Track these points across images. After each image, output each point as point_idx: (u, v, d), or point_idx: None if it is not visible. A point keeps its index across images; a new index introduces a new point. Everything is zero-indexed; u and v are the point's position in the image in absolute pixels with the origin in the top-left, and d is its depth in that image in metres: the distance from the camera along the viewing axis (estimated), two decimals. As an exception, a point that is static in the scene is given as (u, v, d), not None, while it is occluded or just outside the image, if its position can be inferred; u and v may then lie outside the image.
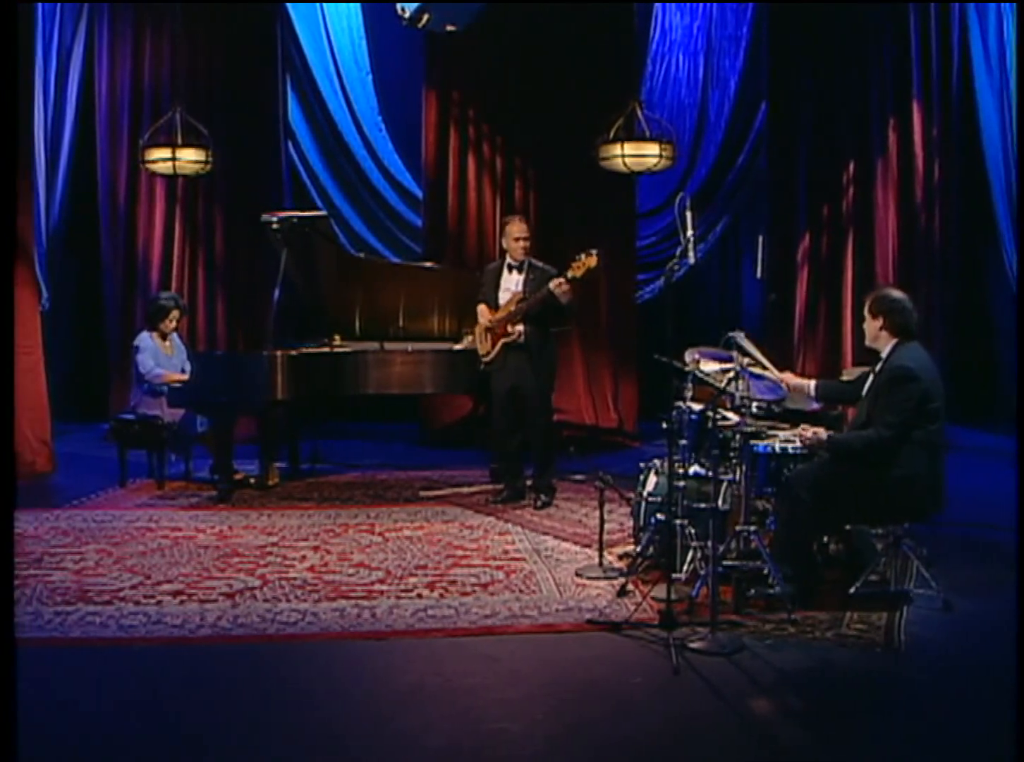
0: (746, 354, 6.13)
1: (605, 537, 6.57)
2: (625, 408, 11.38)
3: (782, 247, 11.37)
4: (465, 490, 8.81)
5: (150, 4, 11.10)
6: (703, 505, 6.07)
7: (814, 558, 6.06)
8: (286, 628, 5.50)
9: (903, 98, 10.83)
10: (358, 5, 11.83)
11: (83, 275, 11.95)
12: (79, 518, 7.85)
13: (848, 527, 6.26)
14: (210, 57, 11.21)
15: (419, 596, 6.01)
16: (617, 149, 9.72)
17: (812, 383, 6.32)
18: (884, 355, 5.88)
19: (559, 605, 5.86)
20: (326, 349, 8.86)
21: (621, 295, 11.31)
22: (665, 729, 4.41)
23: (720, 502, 6.00)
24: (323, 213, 9.80)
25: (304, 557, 6.79)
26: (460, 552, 6.94)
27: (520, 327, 8.02)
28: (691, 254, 5.70)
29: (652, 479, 6.61)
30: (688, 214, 5.68)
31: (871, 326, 5.95)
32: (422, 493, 8.75)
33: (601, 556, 6.51)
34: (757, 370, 6.24)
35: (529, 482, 8.45)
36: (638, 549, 6.46)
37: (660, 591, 5.58)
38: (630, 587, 6.06)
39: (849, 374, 6.95)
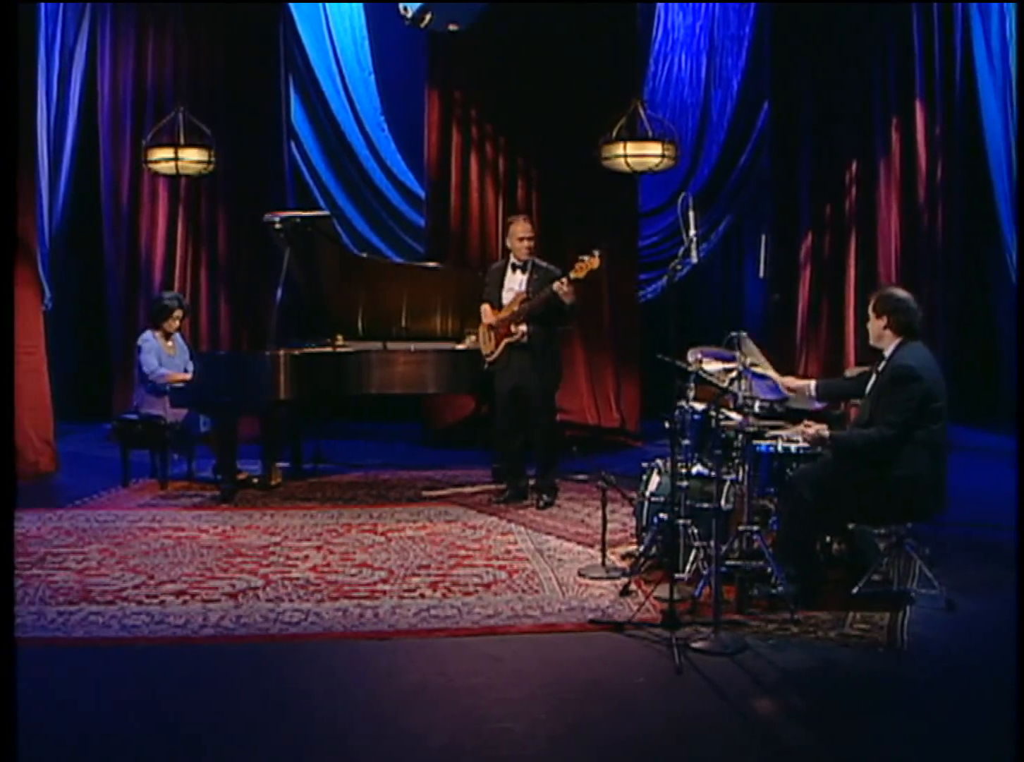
0: (748, 356, 6.12)
1: (608, 537, 6.57)
2: (627, 408, 11.37)
3: (785, 247, 11.37)
4: (468, 490, 8.81)
5: (153, 4, 11.11)
6: (706, 505, 6.07)
7: (817, 558, 6.06)
8: (289, 628, 5.50)
9: (906, 98, 10.83)
10: (360, 5, 11.84)
11: (86, 275, 11.96)
12: (82, 518, 7.85)
13: (851, 527, 6.27)
14: (212, 57, 11.21)
15: (422, 596, 6.01)
16: (619, 149, 9.72)
17: (812, 384, 6.32)
18: (887, 354, 5.87)
19: (562, 605, 5.86)
20: (329, 349, 8.86)
21: (623, 295, 11.31)
22: (668, 729, 4.41)
23: (723, 502, 6.00)
24: (326, 213, 9.80)
25: (307, 557, 6.79)
26: (463, 552, 6.94)
27: (523, 327, 8.02)
28: (694, 253, 5.69)
29: (655, 479, 6.61)
30: (691, 213, 5.67)
31: (875, 325, 5.95)
32: (425, 493, 8.76)
33: (604, 556, 6.51)
34: (759, 370, 6.24)
35: (532, 482, 8.45)
36: (641, 549, 6.46)
37: (663, 591, 5.57)
38: (633, 587, 6.06)
39: (852, 373, 6.95)
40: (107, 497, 8.57)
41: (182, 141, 10.06)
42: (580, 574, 6.42)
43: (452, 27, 9.80)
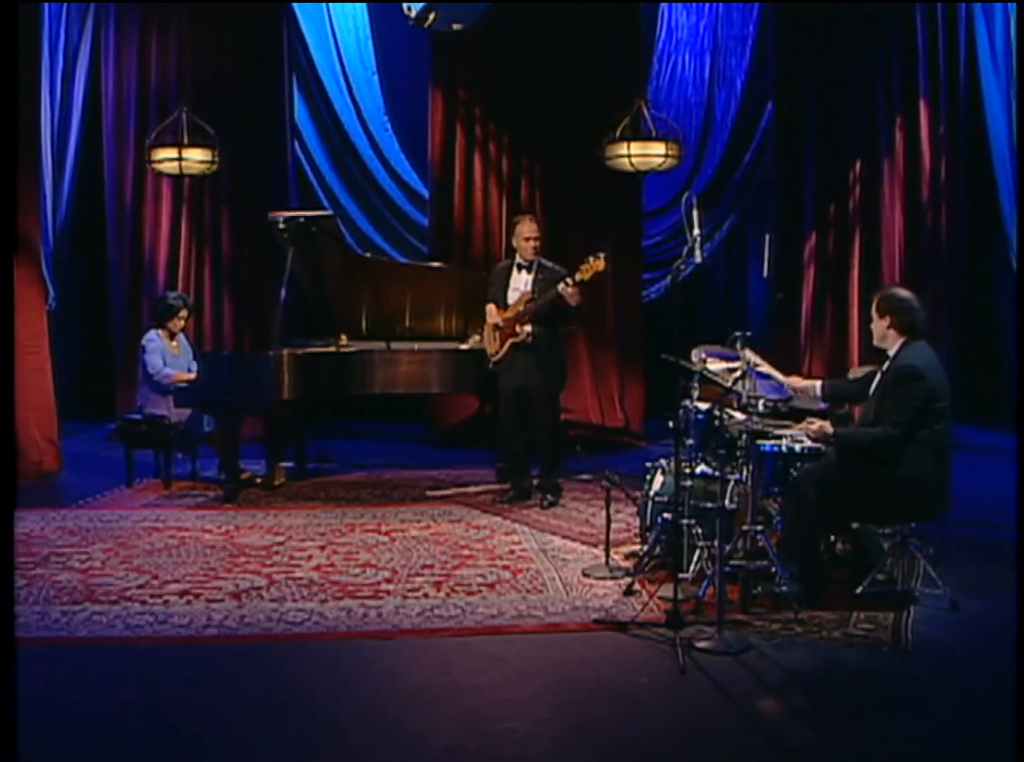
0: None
1: (611, 537, 6.57)
2: (631, 407, 11.37)
3: (788, 246, 11.37)
4: (471, 490, 8.80)
5: (156, 4, 11.11)
6: (710, 504, 6.07)
7: (821, 557, 6.06)
8: (292, 628, 5.50)
9: (910, 97, 10.83)
10: (364, 5, 11.84)
11: (89, 275, 11.96)
12: (86, 518, 7.85)
13: (855, 526, 6.26)
14: (216, 57, 11.21)
15: (425, 596, 6.01)
16: (623, 148, 9.74)
17: (818, 383, 6.31)
18: (891, 354, 5.87)
19: (565, 605, 5.86)
20: (332, 349, 8.86)
21: (627, 294, 11.30)
22: (672, 729, 4.41)
23: (727, 501, 5.99)
24: (329, 212, 9.82)
25: (310, 557, 6.79)
26: (466, 552, 6.94)
27: (528, 327, 8.01)
28: (697, 253, 5.69)
29: (658, 478, 6.61)
30: (694, 213, 5.67)
31: (878, 326, 5.94)
32: (428, 493, 8.76)
33: (607, 556, 6.51)
34: (764, 369, 6.23)
35: (535, 482, 8.45)
36: (645, 548, 6.46)
37: (667, 591, 5.57)
38: (636, 587, 6.06)
39: (855, 373, 6.94)
40: (111, 497, 8.57)
41: (186, 141, 10.06)
42: (584, 574, 6.41)
43: (456, 27, 9.79)
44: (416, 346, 8.83)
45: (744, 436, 6.05)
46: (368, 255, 9.98)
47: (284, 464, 9.15)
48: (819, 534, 5.99)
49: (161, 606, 5.80)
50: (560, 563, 6.67)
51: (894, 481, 5.66)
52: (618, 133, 9.81)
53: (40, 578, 6.27)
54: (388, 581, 6.27)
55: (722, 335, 6.12)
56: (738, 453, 6.17)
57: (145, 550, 6.93)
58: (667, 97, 12.21)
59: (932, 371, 5.71)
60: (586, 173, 10.74)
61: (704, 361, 6.40)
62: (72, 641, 5.32)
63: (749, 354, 5.99)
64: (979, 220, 11.09)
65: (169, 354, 8.98)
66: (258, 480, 8.90)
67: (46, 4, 10.17)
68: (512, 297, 8.20)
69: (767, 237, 11.68)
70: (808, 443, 6.04)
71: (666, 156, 9.72)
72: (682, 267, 5.86)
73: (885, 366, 5.90)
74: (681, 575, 5.80)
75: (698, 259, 5.72)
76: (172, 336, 9.09)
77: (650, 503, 6.56)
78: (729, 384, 5.98)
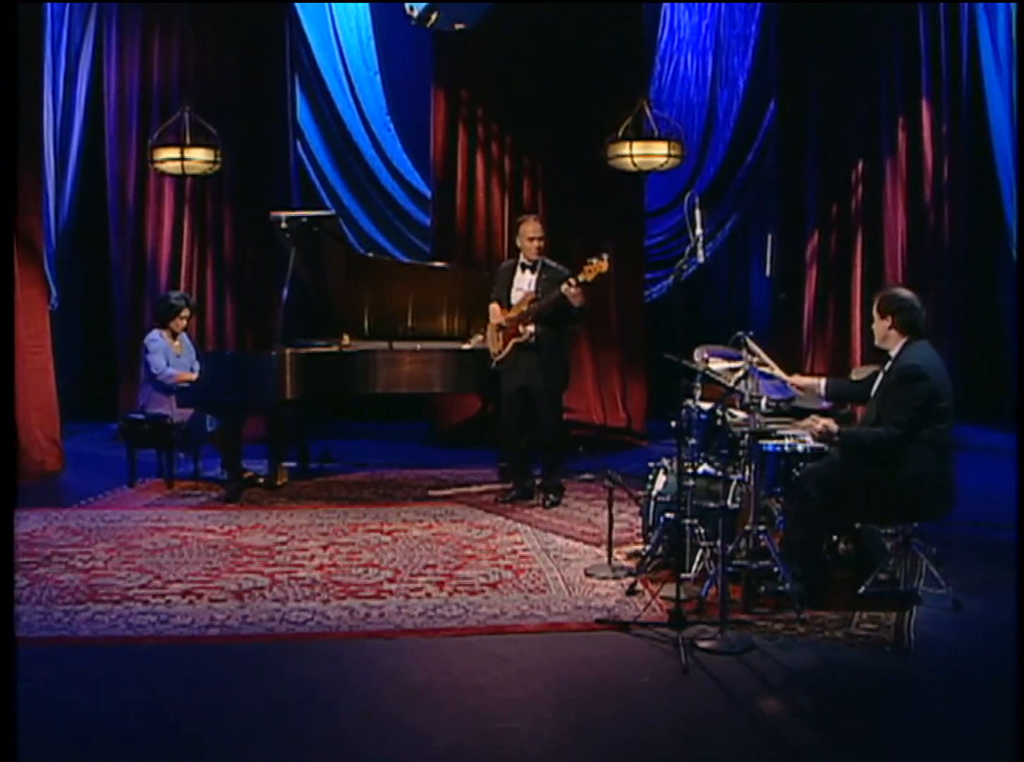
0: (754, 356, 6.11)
1: (614, 536, 6.57)
2: (634, 407, 11.37)
3: (791, 246, 11.36)
4: (474, 489, 8.81)
5: (159, 4, 11.11)
6: (712, 504, 6.07)
7: (823, 557, 6.06)
8: (295, 627, 5.50)
9: (912, 97, 10.82)
10: (366, 5, 11.83)
11: (92, 274, 11.96)
12: (88, 517, 7.86)
13: (857, 526, 6.25)
14: (219, 57, 11.21)
15: (428, 595, 6.01)
16: (625, 148, 9.74)
17: (822, 382, 6.30)
18: (893, 354, 5.87)
19: (568, 604, 5.86)
20: (335, 348, 8.86)
21: (630, 294, 11.30)
22: (674, 729, 4.41)
23: (729, 501, 5.98)
24: (332, 212, 9.81)
25: (313, 556, 6.79)
26: (469, 551, 6.94)
27: (531, 328, 8.01)
28: (700, 253, 5.69)
29: (661, 478, 6.61)
30: (697, 213, 5.67)
31: (880, 326, 5.94)
32: (431, 492, 8.76)
33: (610, 555, 6.51)
34: (766, 369, 6.23)
35: (538, 481, 8.45)
36: (647, 548, 6.46)
37: (669, 590, 5.57)
38: (639, 586, 6.06)
39: (858, 373, 6.93)
40: (113, 496, 8.58)
41: (188, 141, 10.06)
42: (586, 573, 6.41)
43: (458, 26, 9.79)
44: (418, 346, 8.82)
45: (746, 436, 6.04)
46: (370, 255, 9.98)
47: (286, 464, 9.15)
48: (822, 534, 5.99)
49: (163, 606, 5.81)
50: (562, 563, 6.67)
51: (897, 481, 5.66)
52: (620, 133, 9.81)
53: (42, 578, 6.27)
54: (390, 581, 6.27)
55: (724, 335, 6.11)
56: (740, 453, 6.17)
57: (147, 550, 6.94)
58: (669, 97, 12.21)
59: (935, 371, 5.71)
60: (588, 173, 10.74)
61: (706, 361, 6.40)
62: (74, 641, 5.32)
63: (752, 346, 5.99)
64: (982, 220, 11.08)
65: (172, 354, 8.98)
66: (260, 480, 8.91)
67: (48, 4, 10.18)
68: (516, 297, 8.20)
69: (769, 237, 11.68)
70: (811, 442, 6.03)
71: (668, 156, 9.72)
72: (684, 267, 5.84)
73: (887, 366, 5.89)
74: (684, 575, 5.80)
75: (700, 259, 5.72)
76: (174, 336, 9.09)
77: (652, 503, 6.56)
78: (731, 384, 5.98)
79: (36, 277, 9.43)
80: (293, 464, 9.36)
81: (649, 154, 9.76)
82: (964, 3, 10.67)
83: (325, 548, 6.99)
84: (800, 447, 6.04)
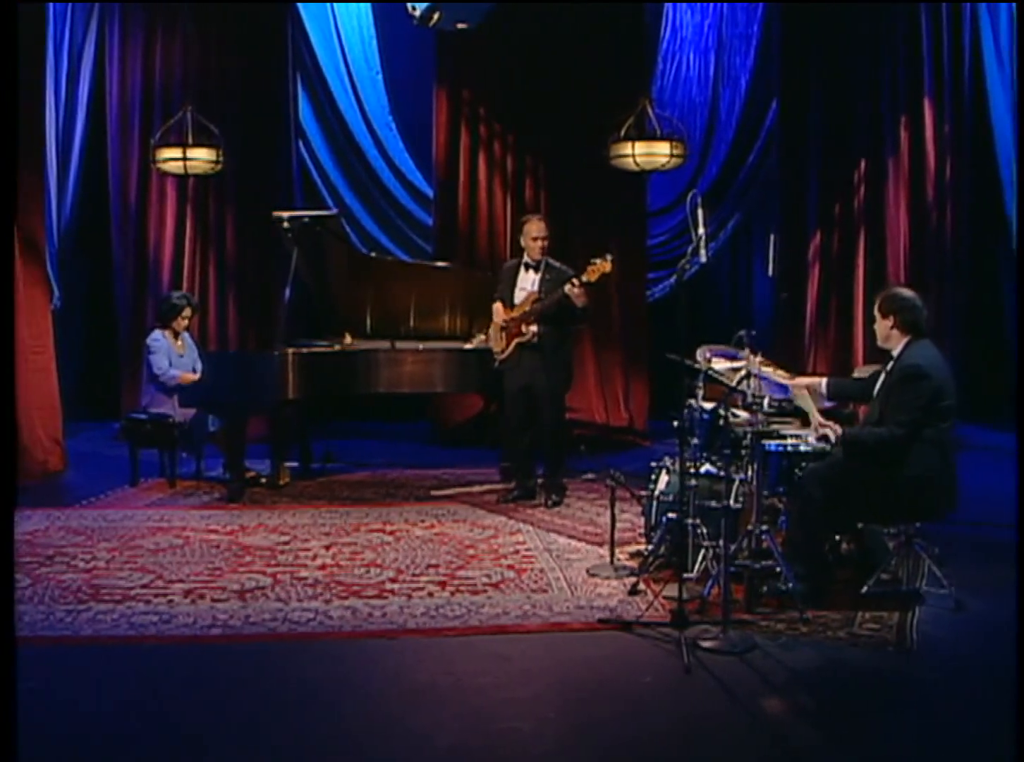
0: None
1: (616, 536, 6.57)
2: (636, 407, 11.37)
3: (793, 245, 11.35)
4: (476, 489, 8.80)
5: (161, 4, 11.11)
6: (715, 504, 6.06)
7: (826, 557, 6.05)
8: (297, 627, 5.50)
9: (915, 96, 10.81)
10: (368, 4, 11.83)
11: (94, 274, 11.97)
12: (90, 517, 7.86)
13: (860, 526, 6.25)
14: (221, 57, 11.21)
15: (430, 595, 6.01)
16: (628, 147, 9.74)
17: (824, 381, 6.30)
18: (896, 354, 5.86)
19: (570, 604, 5.85)
20: (337, 348, 8.86)
21: (632, 294, 11.30)
22: (676, 728, 4.41)
23: (732, 501, 5.99)
24: (334, 212, 9.82)
25: (315, 556, 6.79)
26: (471, 551, 6.94)
27: (534, 327, 8.01)
28: (702, 252, 5.68)
29: (663, 478, 6.61)
30: (699, 212, 5.67)
31: (882, 326, 5.94)
32: (433, 492, 8.76)
33: (612, 555, 6.51)
34: (768, 369, 6.23)
35: (540, 481, 8.44)
36: (649, 548, 6.45)
37: (672, 590, 5.56)
38: (641, 586, 6.06)
39: (861, 372, 6.93)
40: (116, 496, 8.58)
41: (190, 140, 10.06)
42: (589, 573, 6.41)
43: (460, 26, 9.79)
44: (420, 346, 8.82)
45: (749, 435, 6.04)
46: (372, 254, 9.99)
47: (289, 464, 9.15)
48: (824, 534, 5.98)
49: (166, 606, 5.81)
50: (565, 562, 6.67)
51: (899, 481, 5.66)
52: (623, 132, 9.81)
53: (45, 577, 6.27)
54: (392, 580, 6.27)
55: (727, 334, 6.11)
56: (743, 452, 6.16)
57: (150, 549, 6.94)
58: (671, 96, 12.20)
59: (937, 369, 5.70)
60: (591, 172, 10.74)
61: (709, 360, 6.40)
62: (76, 640, 5.32)
63: (754, 360, 5.99)
64: (984, 219, 11.08)
65: (174, 354, 8.99)
66: (263, 480, 8.91)
67: (51, 4, 10.18)
68: (519, 296, 8.20)
69: (772, 236, 11.67)
70: (813, 441, 6.03)
71: (671, 155, 9.73)
72: (687, 266, 5.84)
73: (890, 366, 5.89)
74: (686, 575, 5.79)
75: (703, 258, 5.72)
76: (176, 335, 9.10)
77: (655, 502, 6.56)
78: (734, 383, 5.98)
79: (38, 277, 9.43)
80: (295, 464, 9.36)
81: (651, 154, 9.76)
82: (967, 3, 10.66)
83: (327, 548, 6.99)
84: (803, 446, 6.03)
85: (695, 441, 6.30)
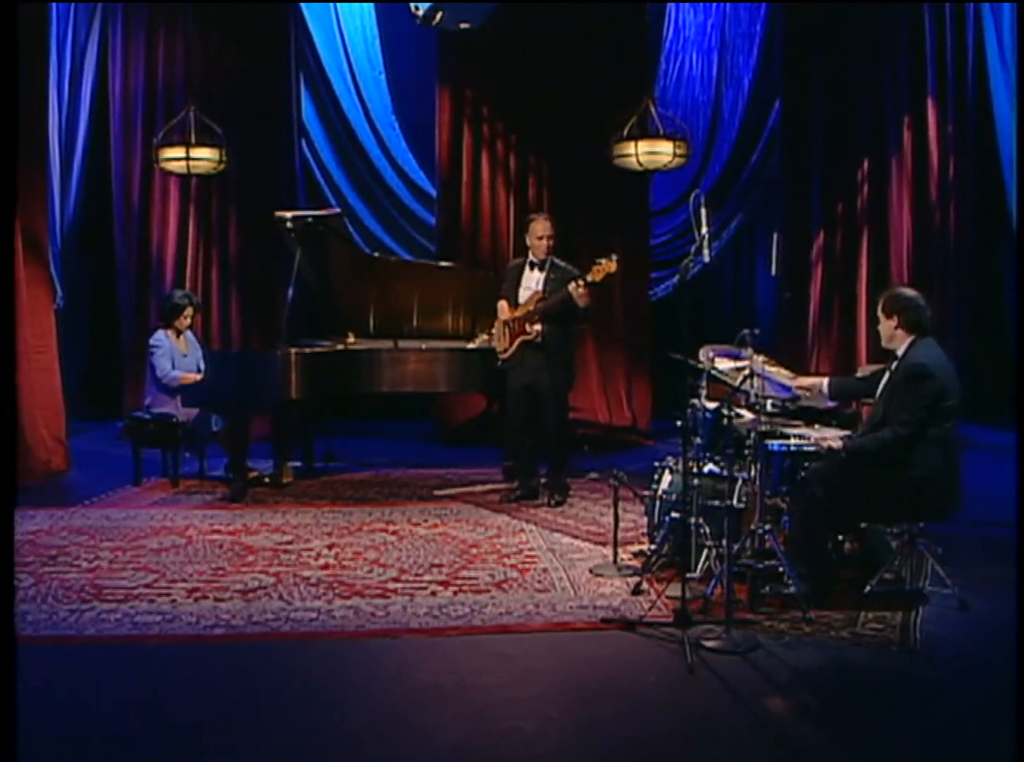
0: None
1: (619, 535, 6.56)
2: (639, 406, 11.37)
3: (796, 245, 11.36)
4: (479, 488, 8.81)
5: (163, 4, 11.13)
6: (718, 503, 6.06)
7: (829, 557, 6.04)
8: (300, 626, 5.50)
9: (918, 96, 10.81)
10: (371, 4, 11.84)
11: (97, 274, 11.99)
12: (93, 516, 7.86)
13: (863, 526, 6.24)
14: (223, 56, 11.23)
15: (433, 594, 6.01)
16: (631, 147, 9.73)
17: (825, 381, 6.30)
18: (900, 353, 5.86)
19: (573, 603, 5.85)
20: (340, 348, 8.86)
21: (635, 293, 11.30)
22: (679, 728, 4.40)
23: (735, 500, 5.99)
24: (337, 211, 9.81)
25: (318, 556, 6.79)
26: (474, 550, 6.94)
27: (538, 326, 8.01)
28: (705, 252, 5.68)
29: (666, 477, 6.60)
30: (702, 212, 5.66)
31: (886, 326, 5.93)
32: (436, 492, 8.76)
33: (615, 554, 6.50)
34: (771, 369, 6.22)
35: (543, 480, 8.44)
36: (652, 547, 6.45)
37: (675, 589, 5.57)
38: (644, 585, 6.05)
39: (864, 372, 6.92)
40: (119, 495, 8.58)
41: (193, 140, 10.06)
42: (592, 573, 6.41)
43: (463, 25, 9.79)
44: (423, 345, 8.83)
45: (752, 435, 6.04)
46: (375, 254, 9.99)
47: (292, 463, 9.15)
48: (827, 533, 5.97)
49: (168, 605, 5.81)
50: (568, 562, 6.67)
51: (902, 481, 5.65)
52: (626, 132, 9.80)
53: (48, 577, 6.27)
54: (395, 580, 6.27)
55: (730, 334, 6.10)
56: (746, 452, 6.16)
57: (153, 549, 6.94)
58: (674, 96, 12.21)
59: (941, 369, 5.70)
60: (593, 172, 10.73)
61: (712, 360, 6.39)
62: (79, 640, 5.32)
63: (757, 359, 5.99)
64: (987, 219, 11.07)
65: (178, 354, 8.99)
66: (266, 479, 8.91)
67: (54, 4, 10.19)
68: (523, 295, 8.20)
69: (775, 236, 11.67)
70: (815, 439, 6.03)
71: (674, 155, 9.72)
72: (690, 266, 5.85)
73: (894, 365, 5.89)
74: (689, 574, 5.78)
75: (706, 258, 5.71)
76: (179, 334, 9.10)
77: (658, 502, 6.55)
78: (737, 383, 5.97)
79: (41, 277, 9.44)
80: (298, 463, 9.36)
81: (654, 153, 9.75)
82: (970, 2, 10.66)
83: (330, 547, 6.99)
84: (806, 446, 6.03)
85: (698, 441, 6.30)
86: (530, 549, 6.99)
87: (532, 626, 5.52)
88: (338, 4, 11.91)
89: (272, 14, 11.30)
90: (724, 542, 5.60)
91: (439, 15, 9.44)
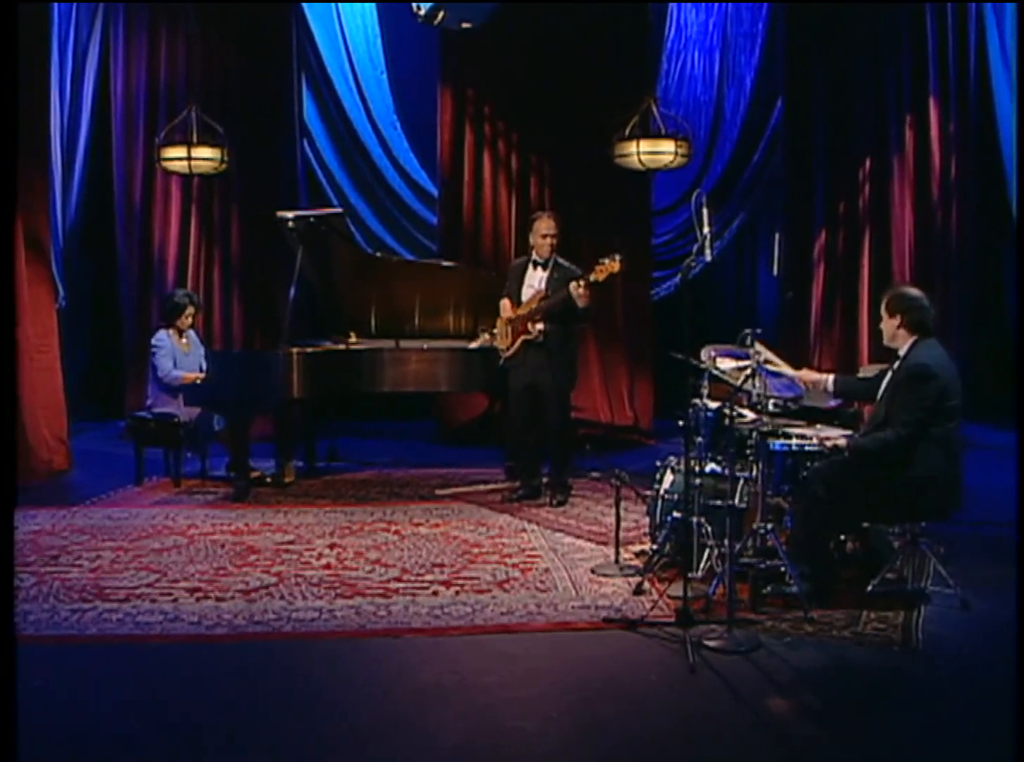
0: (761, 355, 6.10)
1: (621, 535, 6.56)
2: (641, 406, 11.37)
3: (798, 244, 11.35)
4: (481, 488, 8.80)
5: (165, 4, 11.13)
6: (720, 503, 6.06)
7: (831, 556, 6.04)
8: (302, 626, 5.50)
9: (920, 95, 10.80)
10: (373, 4, 11.84)
11: (99, 273, 11.99)
12: (96, 516, 7.86)
13: (865, 525, 6.24)
14: (225, 56, 11.22)
15: (435, 594, 6.01)
16: (633, 146, 9.73)
17: (830, 378, 6.28)
18: (902, 353, 5.86)
19: (575, 603, 5.85)
20: (342, 347, 8.86)
21: (636, 293, 11.29)
22: (681, 727, 4.40)
23: (737, 500, 5.99)
24: (339, 210, 9.80)
25: (320, 555, 6.79)
26: (476, 550, 6.93)
27: (540, 326, 8.01)
28: (707, 251, 5.67)
29: (668, 477, 6.60)
30: (704, 211, 5.66)
31: (888, 325, 5.93)
32: (438, 491, 8.75)
33: (617, 554, 6.50)
34: (774, 368, 6.22)
35: (545, 480, 8.44)
36: (654, 547, 6.45)
37: (676, 589, 5.56)
38: (646, 585, 6.05)
39: (866, 372, 6.92)
40: (120, 495, 8.58)
41: (195, 140, 10.05)
42: (594, 572, 6.41)
43: (465, 25, 9.79)
44: (425, 345, 8.82)
45: (754, 434, 6.03)
46: (377, 254, 9.98)
47: (294, 463, 9.15)
48: (829, 533, 5.97)
49: (170, 605, 5.81)
50: (570, 561, 6.67)
51: (905, 481, 5.65)
52: (628, 131, 9.80)
53: (50, 576, 6.27)
54: (397, 579, 6.27)
55: (731, 333, 6.11)
56: (748, 451, 6.16)
57: (154, 549, 6.94)
58: (676, 95, 12.21)
59: (944, 369, 5.70)
60: (595, 171, 10.72)
61: (714, 359, 6.39)
62: (81, 639, 5.33)
63: (760, 348, 5.99)
64: (989, 218, 11.06)
65: (179, 353, 8.99)
66: (268, 479, 8.92)
67: (55, 4, 10.18)
68: (526, 294, 8.20)
69: (777, 235, 11.67)
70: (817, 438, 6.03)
71: (675, 154, 9.71)
72: (692, 265, 5.84)
73: (896, 365, 5.88)
74: (691, 574, 5.79)
75: (708, 257, 5.70)
76: (181, 334, 9.10)
77: (660, 501, 6.55)
78: (739, 382, 5.97)
79: (43, 276, 9.44)
80: (300, 463, 9.37)
81: (656, 152, 9.74)
82: (972, 2, 10.65)
83: (332, 547, 6.99)
84: (808, 446, 6.02)
85: (700, 440, 6.30)
86: (532, 549, 6.99)
87: (534, 626, 5.52)
88: (340, 4, 11.90)
89: (274, 14, 11.30)
90: (726, 542, 5.59)
91: (441, 14, 9.43)
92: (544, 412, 8.18)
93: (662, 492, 6.56)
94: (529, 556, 6.80)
